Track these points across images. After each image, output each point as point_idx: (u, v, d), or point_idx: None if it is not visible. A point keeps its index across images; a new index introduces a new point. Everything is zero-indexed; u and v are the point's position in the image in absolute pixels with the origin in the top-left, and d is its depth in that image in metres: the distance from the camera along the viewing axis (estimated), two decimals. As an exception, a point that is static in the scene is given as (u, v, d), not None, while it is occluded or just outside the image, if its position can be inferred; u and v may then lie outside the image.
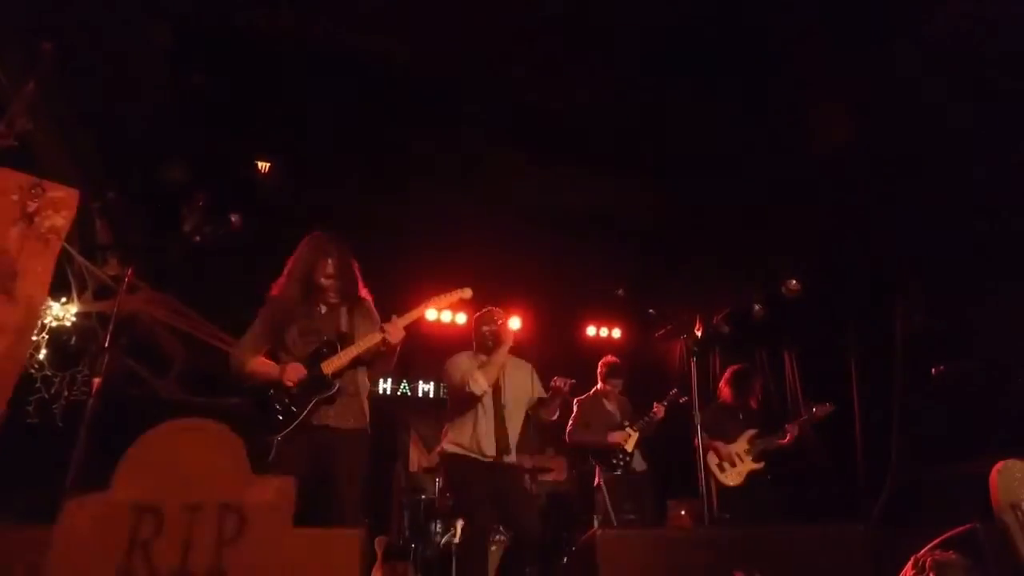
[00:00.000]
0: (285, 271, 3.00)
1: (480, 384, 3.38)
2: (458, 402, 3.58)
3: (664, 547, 1.90)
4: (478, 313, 3.79)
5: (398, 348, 2.90)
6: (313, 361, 2.82)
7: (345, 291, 2.97)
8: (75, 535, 1.35)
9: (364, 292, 3.11)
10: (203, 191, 4.54)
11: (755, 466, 4.70)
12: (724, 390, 5.07)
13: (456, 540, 4.90)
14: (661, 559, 1.87)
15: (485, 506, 3.32)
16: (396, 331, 2.83)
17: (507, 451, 3.47)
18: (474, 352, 3.72)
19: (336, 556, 1.55)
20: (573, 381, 3.60)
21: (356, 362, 2.88)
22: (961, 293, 4.54)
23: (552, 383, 3.55)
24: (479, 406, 3.49)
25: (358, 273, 3.06)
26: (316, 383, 2.78)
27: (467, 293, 3.16)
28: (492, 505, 3.34)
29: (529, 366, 3.80)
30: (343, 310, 2.97)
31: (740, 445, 4.75)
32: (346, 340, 2.87)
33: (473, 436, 3.46)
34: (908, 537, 2.48)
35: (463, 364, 3.57)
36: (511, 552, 3.50)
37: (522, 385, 3.69)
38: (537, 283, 6.72)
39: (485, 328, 3.65)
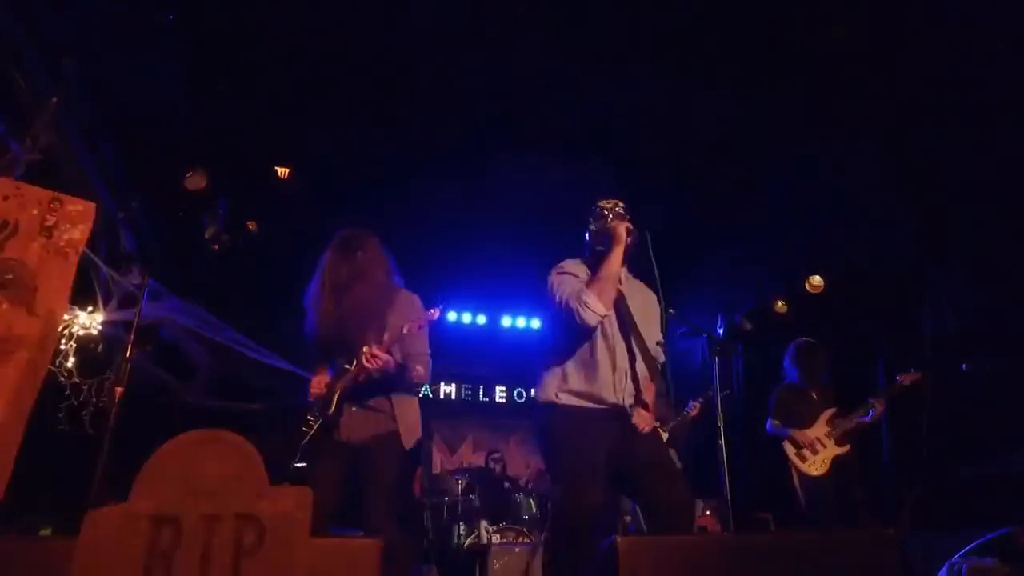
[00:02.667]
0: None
1: (594, 307, 2.44)
2: (565, 330, 2.59)
3: (687, 554, 1.86)
4: (592, 210, 2.83)
5: (397, 367, 2.71)
6: (339, 375, 2.77)
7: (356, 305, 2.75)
8: (96, 547, 1.36)
9: (401, 295, 2.90)
10: (223, 199, 4.60)
11: (839, 450, 4.13)
12: (790, 370, 4.51)
13: (482, 541, 4.89)
14: (684, 566, 1.83)
15: (598, 474, 2.40)
16: (373, 355, 2.63)
17: (638, 397, 2.58)
18: (585, 260, 2.78)
19: (356, 566, 1.54)
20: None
21: (372, 380, 2.72)
22: (993, 290, 4.41)
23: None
24: (597, 336, 2.56)
25: (380, 273, 2.83)
26: (324, 402, 2.74)
27: (435, 315, 2.80)
28: (610, 472, 2.44)
29: (653, 295, 2.83)
30: (379, 317, 2.81)
31: (819, 429, 4.20)
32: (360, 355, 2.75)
33: (585, 378, 2.53)
34: (941, 541, 2.41)
35: (568, 281, 2.61)
36: (647, 526, 2.52)
37: (648, 308, 2.75)
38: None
39: (594, 228, 2.73)
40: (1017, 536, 2.25)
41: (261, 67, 4.44)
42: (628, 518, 5.08)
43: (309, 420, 2.76)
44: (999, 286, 4.31)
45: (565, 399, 2.52)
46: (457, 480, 5.76)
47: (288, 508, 1.46)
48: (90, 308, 4.20)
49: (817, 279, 5.62)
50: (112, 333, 4.35)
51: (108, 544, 1.38)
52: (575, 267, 2.70)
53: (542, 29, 4.38)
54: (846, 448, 4.14)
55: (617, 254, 2.53)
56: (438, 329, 3.00)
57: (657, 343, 2.76)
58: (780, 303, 6.12)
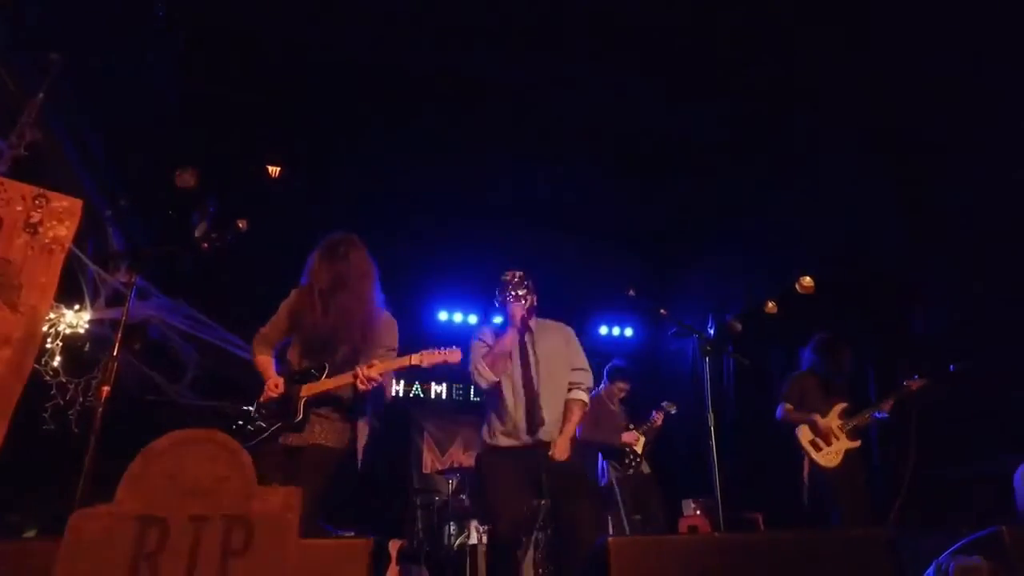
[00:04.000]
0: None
1: (485, 377, 2.98)
2: (481, 390, 3.12)
3: (677, 553, 1.86)
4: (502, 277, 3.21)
5: (381, 384, 2.69)
6: (299, 380, 2.72)
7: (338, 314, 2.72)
8: (81, 548, 1.34)
9: (380, 316, 2.87)
10: (213, 197, 4.57)
11: (851, 444, 4.08)
12: (811, 358, 4.42)
13: (471, 541, 4.88)
14: (674, 566, 1.83)
15: (513, 500, 2.86)
16: (368, 378, 2.61)
17: (544, 430, 2.94)
18: (494, 327, 3.27)
19: (344, 567, 1.53)
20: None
21: (337, 394, 2.70)
22: (982, 292, 4.44)
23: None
24: (506, 387, 3.01)
25: (368, 285, 2.81)
26: (285, 407, 2.68)
27: (455, 356, 2.81)
28: (527, 498, 2.93)
29: (567, 330, 3.28)
30: (359, 331, 2.78)
31: (832, 420, 4.14)
32: (337, 369, 2.71)
33: (504, 421, 2.99)
34: (929, 540, 2.42)
35: (474, 350, 3.13)
36: (553, 551, 3.11)
37: (556, 351, 3.15)
38: (549, 283, 6.69)
39: (500, 296, 3.13)
40: (1002, 535, 2.26)
41: (252, 64, 4.41)
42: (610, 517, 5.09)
43: (256, 420, 2.68)
44: (988, 288, 4.35)
45: (492, 440, 3.02)
46: (448, 480, 5.74)
47: (277, 508, 1.45)
48: (77, 306, 4.15)
49: (808, 280, 5.64)
50: (99, 332, 4.30)
51: (93, 545, 1.36)
52: (485, 334, 3.20)
53: (538, 30, 4.38)
54: (858, 443, 4.09)
55: (512, 335, 3.00)
56: (430, 329, 2.99)
57: (573, 368, 3.18)
58: (771, 304, 6.15)
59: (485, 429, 3.09)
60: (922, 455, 4.08)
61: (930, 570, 2.19)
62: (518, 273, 3.15)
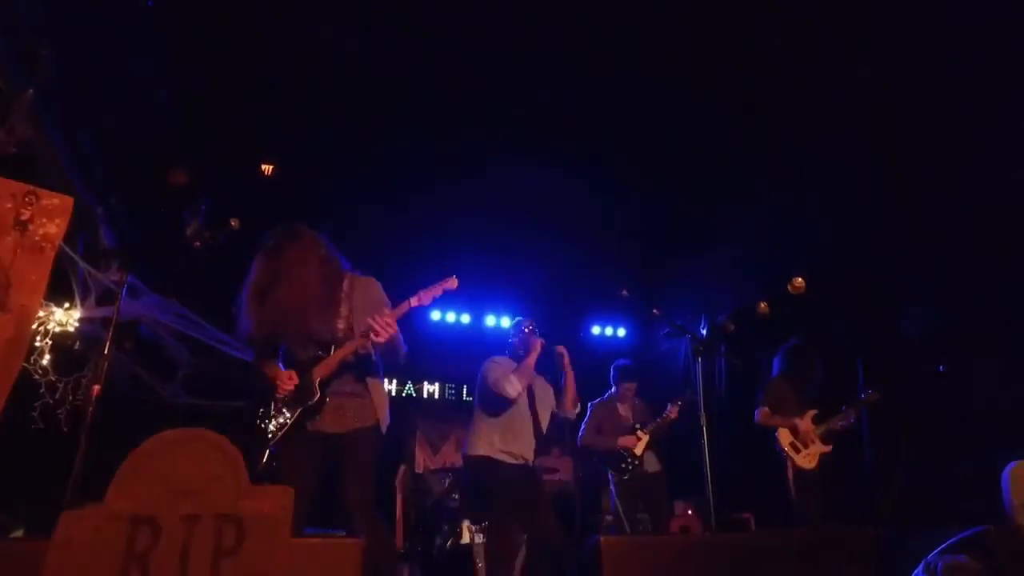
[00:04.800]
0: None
1: (515, 386, 3.53)
2: (492, 403, 3.66)
3: (669, 553, 1.87)
4: (515, 326, 3.98)
5: (394, 340, 2.69)
6: (307, 366, 2.73)
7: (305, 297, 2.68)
8: (71, 548, 1.33)
9: (355, 280, 2.88)
10: (205, 195, 4.54)
11: (825, 448, 4.31)
12: (781, 365, 4.66)
13: (463, 541, 4.88)
14: (667, 565, 1.84)
15: (517, 512, 3.44)
16: (384, 327, 2.61)
17: (536, 455, 3.65)
18: (508, 357, 3.88)
19: (336, 566, 1.53)
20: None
21: (348, 365, 2.73)
22: (971, 293, 4.48)
23: (557, 350, 3.77)
24: (515, 408, 3.63)
25: (309, 261, 2.75)
26: (302, 392, 2.69)
27: (453, 283, 2.92)
28: (521, 510, 3.45)
29: (550, 387, 3.96)
30: (339, 306, 2.79)
31: (805, 424, 4.35)
32: (341, 342, 2.73)
33: (510, 439, 3.56)
34: (918, 539, 2.44)
35: (502, 366, 3.72)
36: (531, 559, 3.49)
37: (547, 397, 3.87)
38: (542, 283, 6.70)
39: (514, 339, 3.86)
40: (989, 534, 2.29)
41: (246, 61, 4.39)
42: (610, 518, 5.10)
43: (278, 416, 2.68)
44: (977, 290, 4.39)
45: (494, 455, 3.53)
46: (440, 479, 5.74)
47: (269, 508, 1.45)
48: (67, 305, 4.12)
49: (799, 281, 5.67)
50: (89, 330, 4.27)
51: (83, 545, 1.35)
52: (503, 361, 3.80)
53: (532, 30, 4.38)
54: (830, 447, 4.30)
55: (532, 359, 3.66)
56: (422, 328, 2.98)
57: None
58: (763, 304, 6.17)
59: (484, 443, 3.57)
60: (911, 455, 4.12)
61: (919, 569, 2.21)
62: (532, 322, 3.88)
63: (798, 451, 4.26)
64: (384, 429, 2.82)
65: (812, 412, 4.38)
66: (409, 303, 2.78)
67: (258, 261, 2.78)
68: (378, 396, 2.82)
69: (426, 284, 2.91)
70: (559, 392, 3.89)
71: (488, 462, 3.53)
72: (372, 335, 2.61)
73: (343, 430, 2.69)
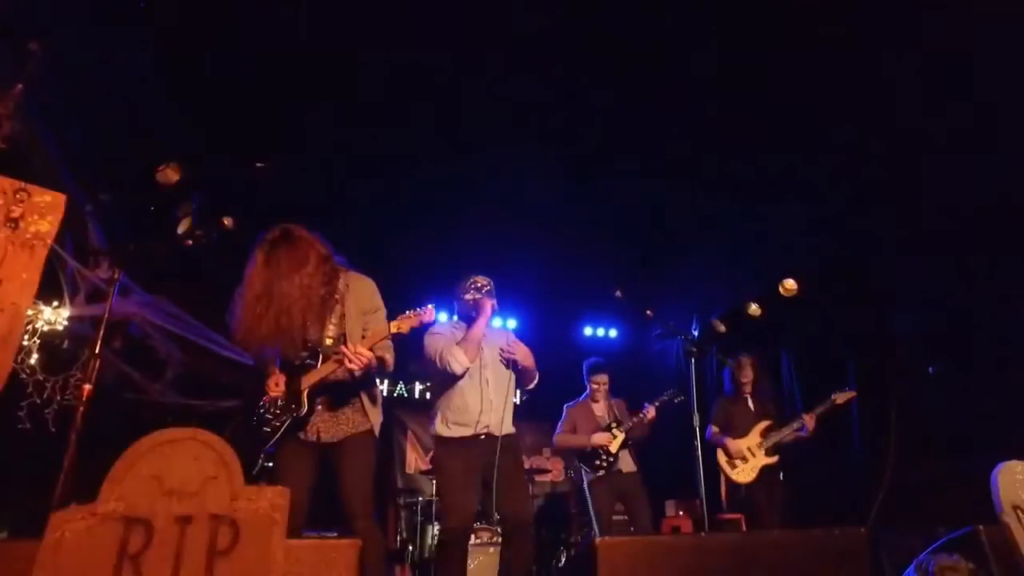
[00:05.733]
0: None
1: (459, 361, 3.15)
2: (439, 377, 3.30)
3: (664, 553, 1.87)
4: (466, 280, 3.45)
5: (376, 364, 2.71)
6: (297, 372, 2.71)
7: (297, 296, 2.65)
8: (62, 549, 1.31)
9: (351, 280, 2.85)
10: (196, 193, 4.50)
11: (768, 461, 4.54)
12: (730, 383, 4.90)
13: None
14: (661, 565, 1.84)
15: (464, 491, 3.05)
16: (355, 359, 2.60)
17: (495, 421, 3.21)
18: (456, 321, 3.48)
19: (331, 567, 1.52)
20: None
21: (336, 378, 2.70)
22: (960, 295, 4.53)
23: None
24: (465, 378, 3.23)
25: (309, 261, 2.72)
26: (291, 401, 2.67)
27: (430, 315, 2.85)
28: (476, 487, 3.08)
29: (507, 332, 3.57)
30: (334, 312, 2.78)
31: (752, 439, 4.61)
32: (330, 351, 2.71)
33: (458, 409, 3.20)
34: (909, 538, 2.46)
35: (440, 340, 3.29)
36: (504, 541, 3.15)
37: (496, 349, 3.39)
38: (534, 284, 6.70)
39: (466, 296, 3.37)
40: (979, 534, 2.31)
41: (239, 56, 4.35)
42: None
43: (271, 420, 2.67)
44: (966, 292, 4.43)
45: (447, 431, 3.19)
46: (431, 480, 5.72)
47: (264, 508, 1.43)
48: (55, 303, 4.07)
49: (791, 282, 5.72)
50: (78, 329, 4.22)
51: (75, 546, 1.33)
52: (442, 328, 3.39)
53: (522, 29, 4.38)
54: (774, 459, 4.55)
55: (482, 323, 3.25)
56: (415, 328, 2.96)
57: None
58: (754, 306, 6.21)
59: (437, 420, 3.25)
60: (903, 454, 4.16)
61: (910, 569, 2.23)
62: (489, 279, 3.43)
63: (734, 467, 4.54)
64: (377, 432, 2.83)
65: (762, 426, 4.62)
66: (388, 329, 2.76)
67: (254, 262, 2.75)
68: (371, 401, 2.82)
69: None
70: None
71: (438, 441, 3.23)
72: (346, 363, 2.61)
73: (339, 437, 2.69)
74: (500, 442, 3.15)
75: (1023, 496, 2.31)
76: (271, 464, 2.65)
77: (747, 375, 4.83)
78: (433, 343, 3.29)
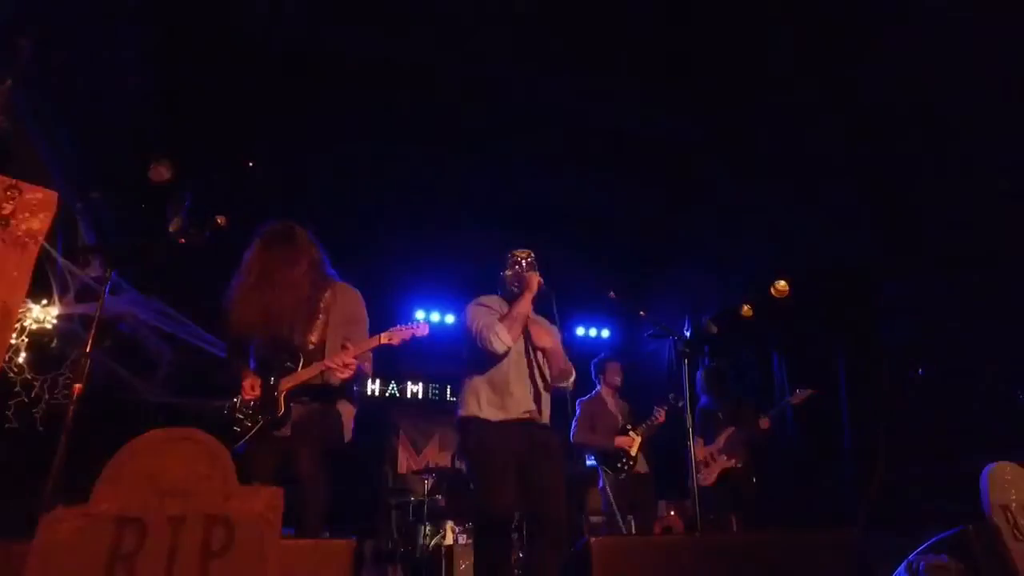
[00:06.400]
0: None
1: (502, 340, 2.84)
2: (477, 355, 2.97)
3: (657, 554, 1.88)
4: (508, 256, 3.22)
5: (359, 371, 2.70)
6: (275, 376, 2.70)
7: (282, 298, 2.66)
8: (52, 551, 1.30)
9: (338, 290, 2.85)
10: (189, 191, 4.47)
11: (728, 464, 4.78)
12: (701, 395, 5.11)
13: (446, 542, 4.86)
14: (655, 566, 1.85)
15: (509, 481, 2.74)
16: (342, 366, 2.61)
17: (540, 410, 2.96)
18: (500, 297, 3.18)
19: (326, 568, 1.51)
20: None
21: (314, 382, 2.69)
22: (949, 293, 4.58)
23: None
24: (508, 358, 2.94)
25: (306, 266, 2.75)
26: (267, 403, 2.67)
27: (423, 330, 2.87)
28: (516, 480, 2.77)
29: (554, 328, 3.22)
30: (318, 319, 2.77)
31: (718, 445, 4.84)
32: (311, 355, 2.71)
33: (501, 393, 2.90)
34: (900, 539, 2.48)
35: (484, 314, 3.01)
36: (531, 541, 2.92)
37: (546, 329, 3.16)
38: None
39: (509, 272, 3.13)
40: (968, 534, 2.33)
41: (230, 53, 4.32)
42: (595, 519, 5.11)
43: (242, 420, 2.66)
44: (954, 296, 4.48)
45: (483, 413, 2.88)
46: (423, 480, 5.71)
47: (259, 508, 1.43)
48: (44, 301, 4.03)
49: (782, 284, 5.77)
50: (67, 327, 4.17)
51: (66, 547, 1.32)
52: (491, 301, 3.12)
53: (513, 31, 4.38)
54: (734, 461, 4.78)
55: (527, 299, 2.97)
56: (405, 341, 2.93)
57: None
58: (746, 307, 6.25)
59: (471, 400, 2.94)
60: (891, 457, 4.20)
61: (901, 569, 2.25)
62: (529, 251, 3.21)
63: (698, 471, 4.75)
64: (347, 437, 2.80)
65: (729, 431, 4.84)
66: (379, 339, 2.77)
67: (250, 255, 2.77)
68: (345, 412, 2.80)
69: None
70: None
71: (471, 424, 2.91)
72: (336, 373, 2.63)
73: (302, 442, 2.63)
74: (541, 431, 2.91)
75: (1011, 496, 2.33)
76: (240, 465, 2.61)
77: (727, 386, 5.07)
78: (476, 315, 3.00)
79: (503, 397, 2.89)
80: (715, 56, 4.47)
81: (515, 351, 2.96)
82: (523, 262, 3.12)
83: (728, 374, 5.11)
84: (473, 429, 2.90)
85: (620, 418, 4.84)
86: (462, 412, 2.97)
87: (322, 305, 2.80)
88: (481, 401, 2.90)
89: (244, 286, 2.70)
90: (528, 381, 2.95)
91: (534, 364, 3.00)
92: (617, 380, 4.97)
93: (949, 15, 3.61)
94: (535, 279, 3.01)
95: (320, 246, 2.89)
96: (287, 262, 2.71)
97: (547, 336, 3.06)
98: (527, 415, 2.89)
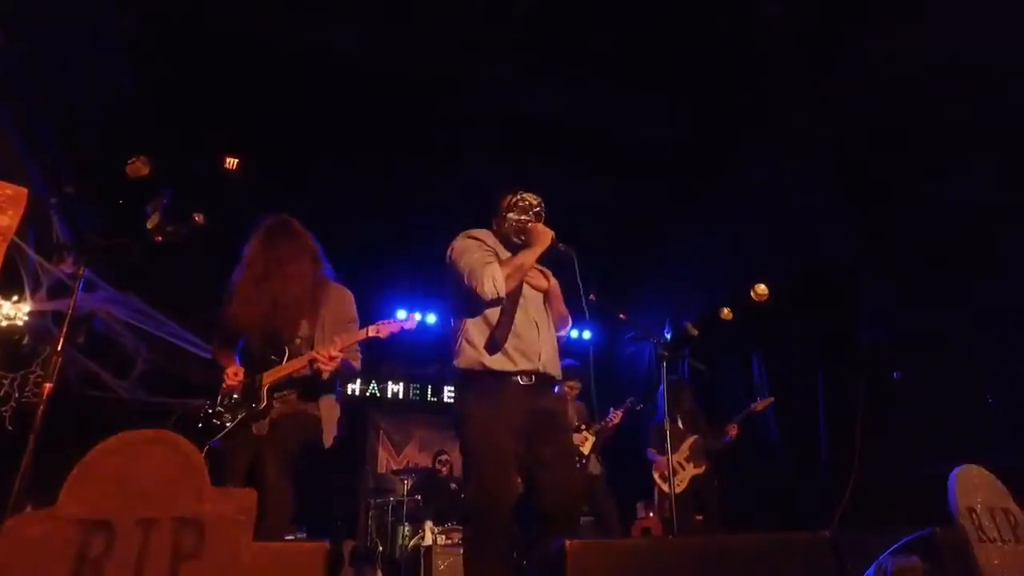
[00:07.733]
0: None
1: (495, 286, 2.37)
2: (466, 296, 2.47)
3: (633, 556, 1.89)
4: (511, 193, 2.67)
5: (345, 367, 2.68)
6: (259, 367, 2.68)
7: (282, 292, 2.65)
8: (18, 553, 1.28)
9: (331, 289, 2.84)
10: (167, 187, 4.40)
11: (696, 471, 4.86)
12: (660, 407, 5.10)
13: (425, 542, 4.85)
14: (631, 569, 1.86)
15: (509, 451, 2.27)
16: (327, 358, 2.58)
17: (550, 364, 2.47)
18: (494, 234, 2.66)
19: (299, 570, 1.50)
20: None
21: (301, 375, 2.67)
22: (924, 299, 4.66)
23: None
24: (509, 301, 2.46)
25: (307, 262, 2.74)
26: (248, 395, 2.64)
27: (411, 324, 2.80)
28: (519, 448, 2.30)
29: (548, 271, 2.74)
30: (309, 315, 2.75)
31: (682, 454, 4.93)
32: (296, 350, 2.69)
33: (503, 338, 2.39)
34: (872, 539, 2.52)
35: (475, 248, 2.53)
36: (535, 527, 2.34)
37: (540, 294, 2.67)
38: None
39: (514, 216, 2.60)
40: (936, 536, 2.37)
41: (210, 50, 4.28)
42: (584, 519, 5.12)
43: (221, 412, 2.63)
44: (930, 300, 4.56)
45: (484, 359, 2.39)
46: (403, 480, 5.69)
47: (230, 511, 1.41)
48: (15, 297, 3.95)
49: (762, 288, 5.82)
50: (38, 324, 4.10)
51: (32, 551, 1.29)
52: (483, 235, 2.62)
53: (501, 29, 4.38)
54: (702, 468, 4.88)
55: (535, 254, 2.49)
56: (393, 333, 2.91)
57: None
58: (726, 310, 6.30)
59: (467, 348, 2.43)
60: (866, 459, 4.26)
61: (870, 570, 2.29)
62: (539, 198, 2.65)
63: (666, 480, 4.78)
64: (327, 445, 2.76)
65: (691, 439, 4.95)
66: (366, 332, 2.75)
67: (251, 248, 2.75)
68: (327, 412, 2.77)
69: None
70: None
71: (474, 377, 2.39)
72: (321, 367, 2.60)
73: (282, 437, 2.61)
74: (550, 393, 2.46)
75: (977, 499, 2.39)
76: (214, 458, 2.57)
77: (688, 400, 5.18)
78: (467, 249, 2.52)
79: (508, 339, 2.40)
80: (697, 64, 4.51)
81: (523, 302, 2.51)
82: (532, 212, 2.59)
83: (686, 388, 5.21)
84: (474, 389, 2.39)
85: (575, 420, 4.87)
86: (460, 363, 2.44)
87: (316, 302, 2.79)
88: (482, 345, 2.40)
89: (250, 278, 2.67)
90: (533, 324, 2.49)
91: (536, 306, 2.57)
92: (574, 393, 5.00)
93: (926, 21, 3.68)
94: (549, 235, 2.51)
95: (315, 240, 2.88)
96: (293, 254, 2.71)
97: (542, 277, 2.66)
98: (539, 366, 2.42)
